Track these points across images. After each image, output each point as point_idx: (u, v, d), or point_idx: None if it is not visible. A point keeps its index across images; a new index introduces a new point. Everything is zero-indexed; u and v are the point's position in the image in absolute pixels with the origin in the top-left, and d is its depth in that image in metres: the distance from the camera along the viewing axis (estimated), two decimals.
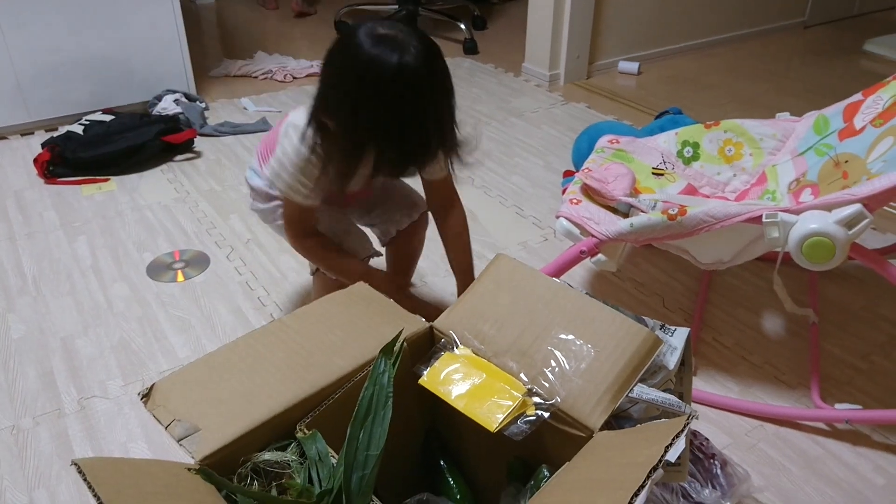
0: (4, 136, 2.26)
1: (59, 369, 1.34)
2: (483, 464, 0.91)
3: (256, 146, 1.34)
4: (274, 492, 0.69)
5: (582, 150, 1.76)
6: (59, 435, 1.21)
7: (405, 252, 1.44)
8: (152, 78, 2.40)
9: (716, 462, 1.05)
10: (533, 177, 2.04)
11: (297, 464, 0.70)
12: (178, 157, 2.14)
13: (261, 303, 1.52)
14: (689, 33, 2.99)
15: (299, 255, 1.30)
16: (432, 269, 1.62)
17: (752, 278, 1.59)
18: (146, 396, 0.74)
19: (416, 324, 0.85)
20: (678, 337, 0.85)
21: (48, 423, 1.23)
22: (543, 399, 0.74)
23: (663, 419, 0.73)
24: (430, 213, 1.36)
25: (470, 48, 3.05)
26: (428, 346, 0.84)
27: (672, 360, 0.83)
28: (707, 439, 1.09)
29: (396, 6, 3.22)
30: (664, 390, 0.83)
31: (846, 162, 1.24)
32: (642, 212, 1.24)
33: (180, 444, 0.69)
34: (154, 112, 2.31)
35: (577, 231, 1.24)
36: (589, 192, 1.32)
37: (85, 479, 0.56)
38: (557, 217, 1.28)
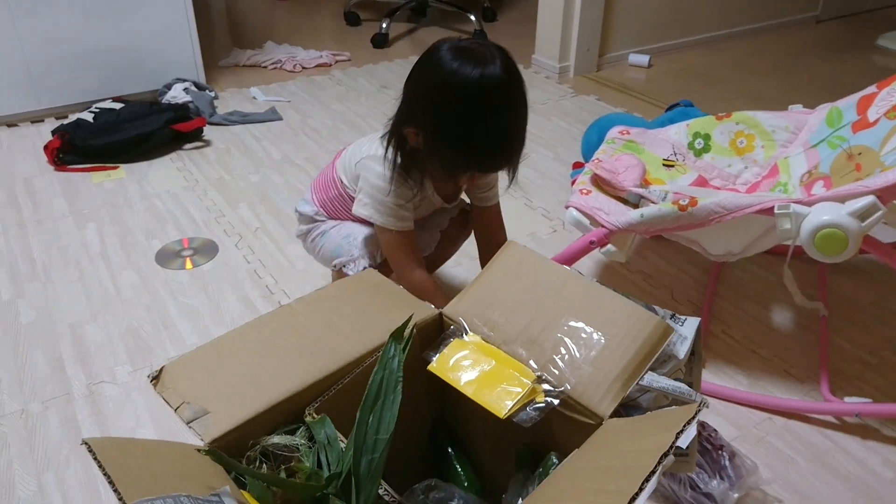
0: (15, 123, 2.26)
1: (67, 355, 1.35)
2: (491, 451, 0.91)
3: (311, 183, 1.38)
4: (282, 475, 0.69)
5: (591, 142, 1.75)
6: (67, 420, 1.21)
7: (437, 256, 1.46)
8: (162, 67, 2.40)
9: (724, 453, 1.05)
10: (542, 168, 2.03)
11: (305, 448, 0.70)
12: (188, 146, 2.14)
13: (269, 291, 1.52)
14: (700, 27, 2.97)
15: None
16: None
17: (760, 272, 1.58)
18: (156, 379, 0.74)
19: (426, 310, 0.85)
20: (689, 326, 0.84)
21: (57, 408, 1.23)
22: (553, 386, 0.74)
23: (673, 407, 0.72)
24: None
25: None
26: (437, 333, 0.84)
27: (682, 350, 0.83)
28: (715, 431, 1.08)
29: None
30: (674, 380, 0.83)
31: (859, 154, 1.23)
32: (653, 203, 1.23)
33: (189, 427, 0.69)
34: (164, 100, 2.32)
35: (586, 221, 1.24)
36: (599, 183, 1.32)
37: (95, 458, 0.56)
38: (567, 207, 1.28)
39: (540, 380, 0.75)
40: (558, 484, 0.65)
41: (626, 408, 0.80)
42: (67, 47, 2.23)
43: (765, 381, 1.29)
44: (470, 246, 1.43)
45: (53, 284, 1.54)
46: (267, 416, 0.72)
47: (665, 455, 0.56)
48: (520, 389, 0.74)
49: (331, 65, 2.81)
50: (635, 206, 1.27)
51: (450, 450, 0.91)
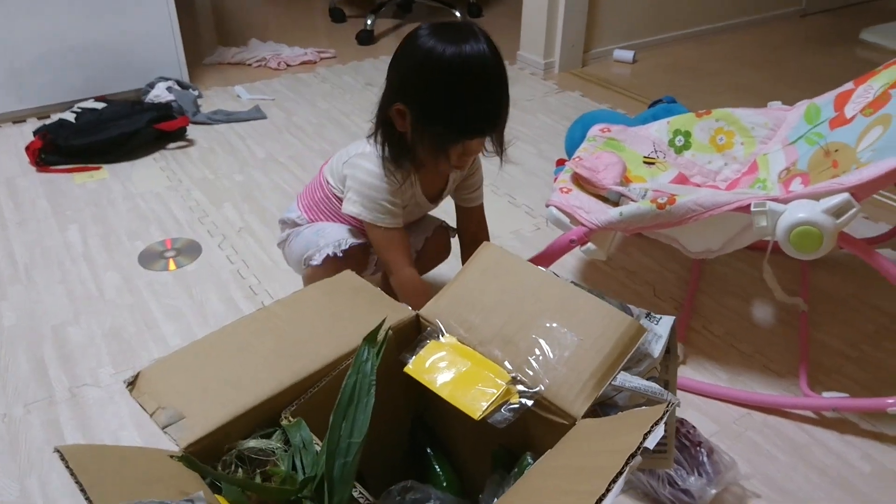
0: None
1: (50, 357, 1.34)
2: (469, 451, 0.91)
3: (298, 194, 1.37)
4: (258, 479, 0.69)
5: (575, 139, 1.76)
6: (50, 423, 1.21)
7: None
8: (145, 65, 2.39)
9: (702, 450, 1.06)
10: (526, 165, 2.04)
11: (281, 451, 0.71)
12: (171, 145, 2.14)
13: (252, 291, 1.52)
14: (685, 22, 2.98)
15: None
16: None
17: (742, 267, 1.60)
18: (132, 384, 0.74)
19: (403, 312, 0.85)
20: (663, 325, 0.85)
21: (39, 411, 1.23)
22: (527, 387, 0.75)
23: (644, 408, 0.73)
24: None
25: None
26: (414, 335, 0.84)
27: (657, 349, 0.84)
28: (694, 427, 1.09)
29: None
30: (649, 378, 0.84)
31: (836, 151, 1.24)
32: (632, 200, 1.24)
33: (165, 431, 0.69)
34: (147, 100, 2.30)
35: (566, 220, 1.25)
36: (579, 181, 1.33)
37: (67, 466, 0.56)
38: (547, 206, 1.28)
39: (515, 381, 0.75)
40: (531, 484, 0.66)
41: (603, 406, 0.80)
42: (49, 46, 2.22)
43: (745, 376, 1.30)
44: (456, 245, 1.44)
45: (36, 286, 1.53)
46: (243, 419, 0.72)
47: (633, 455, 0.56)
48: (494, 391, 0.74)
49: (316, 62, 2.80)
50: (616, 204, 1.28)
51: (429, 450, 0.91)
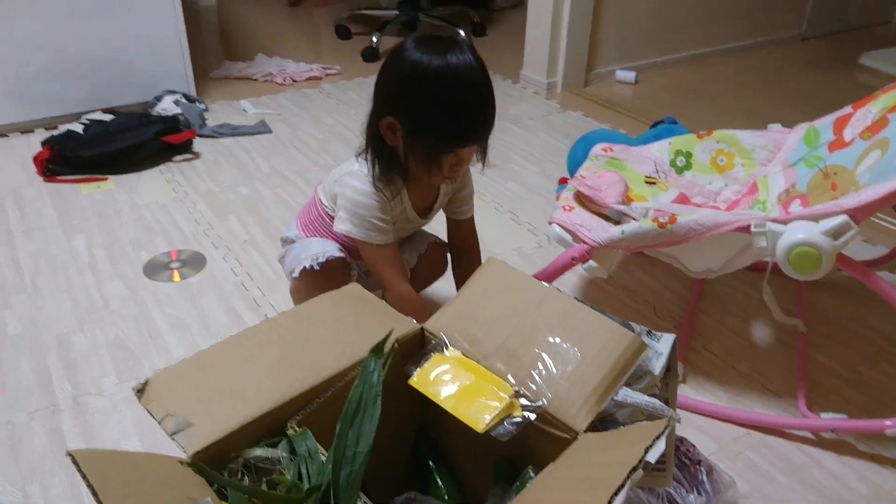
0: (4, 133, 2.27)
1: (54, 366, 1.35)
2: (472, 464, 0.92)
3: (296, 215, 1.39)
4: (264, 487, 0.70)
5: (577, 158, 1.77)
6: (53, 431, 1.22)
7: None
8: (153, 78, 2.42)
9: (701, 468, 1.06)
10: (529, 183, 2.06)
11: (287, 460, 0.72)
12: (177, 158, 2.16)
13: (255, 303, 1.53)
14: (686, 44, 3.01)
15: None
16: None
17: (742, 287, 1.61)
18: (140, 391, 0.75)
19: (407, 325, 0.86)
20: (664, 343, 0.86)
21: (42, 419, 1.24)
22: (530, 401, 0.76)
23: (645, 422, 0.74)
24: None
25: None
26: (419, 347, 0.85)
27: (658, 366, 0.85)
28: (693, 446, 1.10)
29: (397, 11, 3.25)
30: (650, 395, 0.85)
31: (835, 174, 1.26)
32: (634, 219, 1.26)
33: (173, 438, 0.70)
34: (154, 112, 2.33)
35: (569, 237, 1.26)
36: (582, 199, 1.34)
37: (79, 469, 0.58)
38: (550, 223, 1.30)
39: (518, 394, 0.76)
40: (533, 496, 0.67)
41: (604, 422, 0.81)
42: (58, 58, 2.24)
43: (744, 396, 1.31)
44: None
45: (41, 295, 1.54)
46: (249, 428, 0.73)
47: (634, 469, 0.57)
48: (498, 404, 0.75)
49: (321, 78, 2.83)
50: (617, 222, 1.30)
51: (431, 463, 0.92)
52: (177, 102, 2.36)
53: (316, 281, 1.22)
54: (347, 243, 1.27)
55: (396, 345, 0.81)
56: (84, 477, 0.57)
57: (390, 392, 0.75)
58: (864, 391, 1.33)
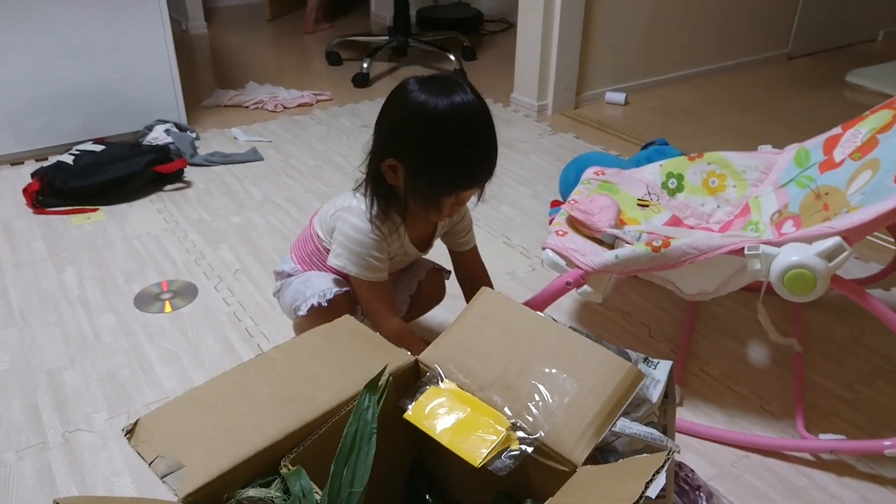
0: None
1: (44, 402, 1.33)
2: (469, 498, 0.91)
3: (291, 245, 1.38)
4: None
5: (569, 180, 1.78)
6: (42, 469, 1.20)
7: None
8: (143, 108, 2.42)
9: (701, 494, 1.05)
10: (521, 206, 2.06)
11: (281, 500, 0.70)
12: (168, 187, 2.15)
13: (248, 333, 1.52)
14: (675, 65, 3.04)
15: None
16: None
17: (737, 308, 1.60)
18: (130, 432, 0.74)
19: (402, 358, 0.85)
20: (661, 370, 0.86)
21: (32, 458, 1.22)
22: (527, 433, 0.75)
23: (646, 454, 0.73)
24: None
25: None
26: (413, 380, 0.84)
27: (655, 394, 0.84)
28: (693, 471, 1.09)
29: (387, 37, 3.26)
30: (648, 423, 0.84)
31: (827, 194, 1.26)
32: (627, 243, 1.25)
33: (163, 481, 0.69)
34: (145, 142, 2.33)
35: (563, 262, 1.26)
36: (575, 224, 1.34)
37: None
38: (543, 248, 1.29)
39: (514, 427, 0.75)
40: None
41: (602, 451, 0.80)
42: (48, 89, 2.24)
43: (741, 418, 1.30)
44: (452, 286, 1.44)
45: (31, 329, 1.52)
46: (242, 468, 0.72)
47: None
48: (494, 437, 0.74)
49: (312, 104, 2.84)
50: (611, 246, 1.29)
51: (428, 496, 0.91)
52: (168, 132, 2.36)
53: (323, 317, 1.19)
54: (343, 276, 1.26)
55: (391, 378, 0.80)
56: None
57: (385, 426, 0.74)
58: (861, 410, 1.32)
